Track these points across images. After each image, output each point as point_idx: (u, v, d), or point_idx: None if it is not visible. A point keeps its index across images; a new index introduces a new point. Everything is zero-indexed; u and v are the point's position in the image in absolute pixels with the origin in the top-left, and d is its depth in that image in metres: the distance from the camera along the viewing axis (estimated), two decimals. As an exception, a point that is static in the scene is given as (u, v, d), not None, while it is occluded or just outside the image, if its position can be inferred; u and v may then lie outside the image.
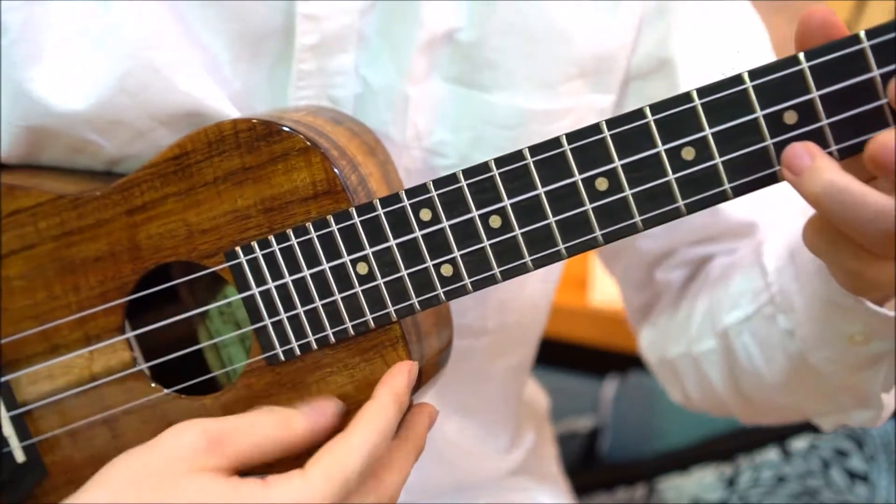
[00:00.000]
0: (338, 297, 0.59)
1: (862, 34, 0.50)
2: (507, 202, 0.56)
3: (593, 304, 1.35)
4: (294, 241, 0.59)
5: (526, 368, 0.90)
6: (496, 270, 0.57)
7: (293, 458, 0.56)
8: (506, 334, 0.82)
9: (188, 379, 0.64)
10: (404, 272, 0.58)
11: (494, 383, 0.86)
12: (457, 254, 0.57)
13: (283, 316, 0.60)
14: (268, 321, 0.60)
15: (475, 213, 0.56)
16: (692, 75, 0.74)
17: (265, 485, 0.53)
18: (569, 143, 0.54)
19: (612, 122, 0.54)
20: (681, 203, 0.54)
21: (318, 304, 0.59)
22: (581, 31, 0.72)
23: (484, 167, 0.56)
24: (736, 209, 0.79)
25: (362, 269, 0.59)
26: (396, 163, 0.70)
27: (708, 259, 0.83)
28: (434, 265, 0.58)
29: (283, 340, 0.61)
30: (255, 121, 0.59)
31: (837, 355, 0.66)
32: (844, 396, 0.71)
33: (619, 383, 1.30)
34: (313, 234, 0.59)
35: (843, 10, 1.27)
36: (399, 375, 0.58)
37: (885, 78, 0.50)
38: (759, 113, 0.52)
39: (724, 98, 0.52)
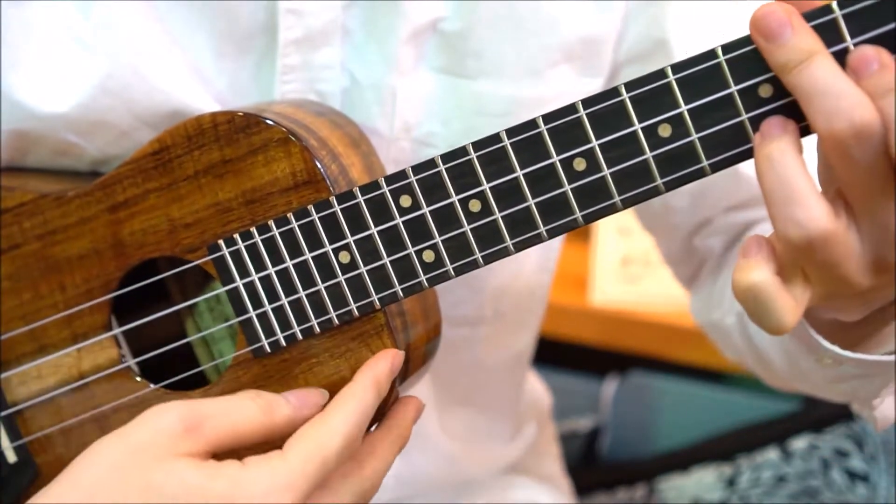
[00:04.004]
0: (321, 286, 0.59)
1: (834, 4, 0.49)
2: (485, 186, 0.56)
3: (593, 304, 1.34)
4: (276, 232, 0.59)
5: (525, 359, 0.90)
6: (478, 255, 0.57)
7: (272, 446, 0.55)
8: (503, 324, 0.82)
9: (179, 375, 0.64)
10: (386, 259, 0.58)
11: (493, 373, 0.85)
12: (438, 239, 0.57)
13: (268, 307, 0.60)
14: (252, 313, 0.60)
15: (455, 198, 0.56)
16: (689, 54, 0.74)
17: (242, 467, 0.52)
18: (545, 124, 0.54)
19: (587, 102, 0.53)
20: (659, 181, 0.54)
21: (302, 294, 0.59)
22: (567, 16, 0.71)
23: (462, 151, 0.56)
24: None
25: (344, 257, 0.58)
26: (385, 155, 0.70)
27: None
28: (416, 251, 0.58)
29: (269, 332, 0.60)
30: (233, 113, 0.59)
31: (818, 366, 0.64)
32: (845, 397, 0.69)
33: (619, 383, 1.29)
34: (294, 225, 0.59)
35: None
36: (381, 361, 0.58)
37: None
38: (734, 88, 0.51)
39: (698, 73, 0.52)
